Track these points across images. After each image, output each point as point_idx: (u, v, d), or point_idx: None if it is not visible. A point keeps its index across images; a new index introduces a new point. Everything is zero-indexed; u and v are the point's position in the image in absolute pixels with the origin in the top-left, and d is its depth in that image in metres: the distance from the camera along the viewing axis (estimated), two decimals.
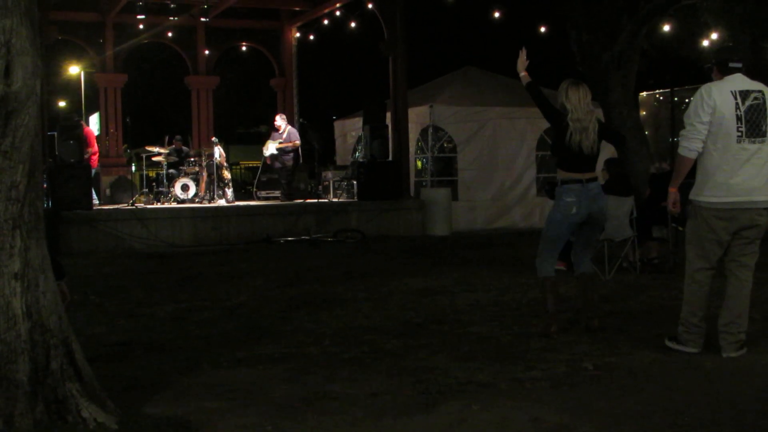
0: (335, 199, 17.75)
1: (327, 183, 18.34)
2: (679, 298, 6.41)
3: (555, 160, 6.87)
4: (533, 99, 6.74)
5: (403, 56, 17.72)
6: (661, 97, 24.66)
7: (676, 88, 23.83)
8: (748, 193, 5.70)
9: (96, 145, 17.79)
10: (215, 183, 17.13)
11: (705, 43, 16.72)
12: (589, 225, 6.71)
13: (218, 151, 17.44)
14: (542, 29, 19.39)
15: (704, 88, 5.79)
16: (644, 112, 22.19)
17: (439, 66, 25.00)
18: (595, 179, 6.66)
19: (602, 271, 9.57)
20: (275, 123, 18.17)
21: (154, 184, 17.90)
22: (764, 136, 5.70)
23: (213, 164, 17.14)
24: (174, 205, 16.46)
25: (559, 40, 17.71)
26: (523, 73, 6.89)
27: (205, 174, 17.28)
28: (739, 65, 5.87)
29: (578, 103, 6.52)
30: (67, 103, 37.03)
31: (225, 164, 17.92)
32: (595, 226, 6.78)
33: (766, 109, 5.71)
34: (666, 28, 16.19)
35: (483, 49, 31.56)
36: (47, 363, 4.22)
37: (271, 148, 17.77)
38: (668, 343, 6.07)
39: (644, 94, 23.38)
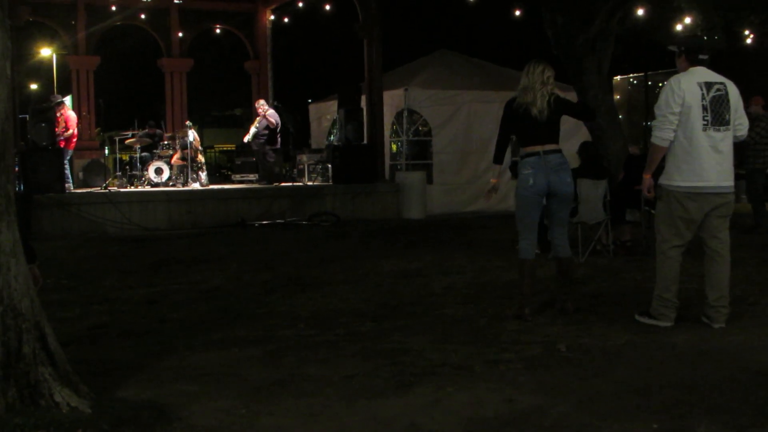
0: (310, 183, 17.72)
1: (302, 166, 18.29)
2: (652, 281, 6.49)
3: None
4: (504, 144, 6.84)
5: (379, 39, 17.67)
6: (635, 81, 24.79)
7: (650, 72, 23.95)
8: (715, 178, 6.05)
9: (76, 128, 17.54)
10: (189, 166, 17.04)
11: (678, 27, 16.79)
12: (556, 200, 6.61)
13: (192, 135, 17.35)
14: (517, 12, 19.39)
15: (674, 81, 6.13)
16: (618, 96, 22.30)
17: (414, 49, 24.92)
18: (556, 151, 6.57)
19: (576, 254, 9.62)
20: (256, 109, 18.33)
21: (127, 167, 17.77)
22: (728, 124, 6.07)
23: (187, 147, 17.05)
24: (147, 188, 16.37)
25: (533, 24, 17.73)
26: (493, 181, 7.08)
27: (178, 157, 17.19)
28: (707, 57, 6.22)
29: (526, 76, 6.59)
30: (39, 85, 36.62)
31: (199, 148, 17.85)
32: (561, 202, 6.65)
33: (728, 100, 6.09)
34: (640, 12, 16.24)
35: (458, 32, 31.54)
36: (19, 347, 4.18)
37: (251, 133, 17.93)
38: (639, 318, 6.29)
39: (618, 77, 23.49)
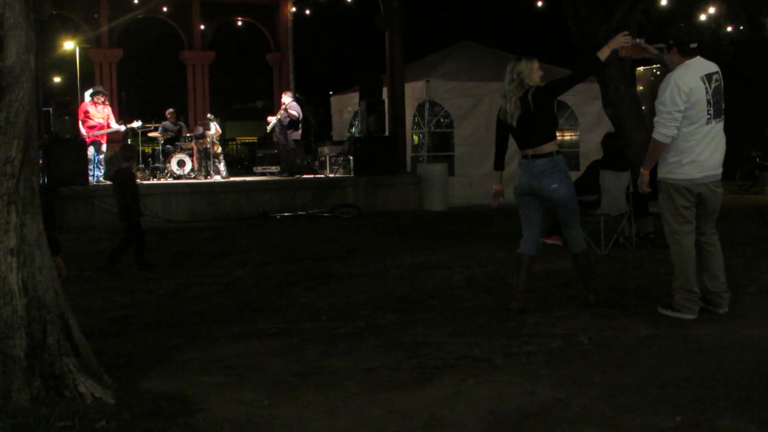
0: (331, 175, 17.73)
1: (323, 158, 18.31)
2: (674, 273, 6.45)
3: None
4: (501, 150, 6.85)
5: (400, 31, 17.64)
6: (658, 72, 24.57)
7: None
8: (712, 168, 6.12)
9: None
10: (210, 159, 17.10)
11: (702, 17, 16.66)
12: (548, 203, 6.58)
13: (214, 128, 17.41)
14: (539, 3, 19.30)
15: (677, 77, 6.05)
16: (641, 87, 22.11)
17: (435, 40, 24.89)
18: (545, 155, 6.45)
19: (598, 246, 9.58)
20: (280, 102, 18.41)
21: (150, 159, 17.86)
22: (723, 114, 6.11)
23: (209, 140, 17.11)
24: (170, 180, 16.44)
25: (556, 15, 17.63)
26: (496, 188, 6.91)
27: (200, 148, 17.27)
28: (696, 45, 6.13)
29: (504, 79, 6.58)
30: (62, 78, 36.84)
31: (215, 140, 17.87)
32: (554, 205, 6.58)
33: (723, 89, 6.10)
34: (663, 2, 16.11)
35: (480, 23, 31.43)
36: (44, 338, 4.22)
37: (272, 123, 17.98)
38: (662, 311, 6.28)
39: (641, 68, 23.30)
